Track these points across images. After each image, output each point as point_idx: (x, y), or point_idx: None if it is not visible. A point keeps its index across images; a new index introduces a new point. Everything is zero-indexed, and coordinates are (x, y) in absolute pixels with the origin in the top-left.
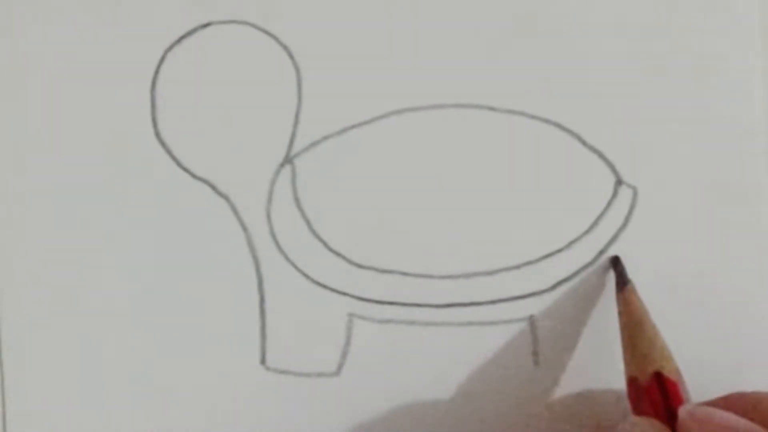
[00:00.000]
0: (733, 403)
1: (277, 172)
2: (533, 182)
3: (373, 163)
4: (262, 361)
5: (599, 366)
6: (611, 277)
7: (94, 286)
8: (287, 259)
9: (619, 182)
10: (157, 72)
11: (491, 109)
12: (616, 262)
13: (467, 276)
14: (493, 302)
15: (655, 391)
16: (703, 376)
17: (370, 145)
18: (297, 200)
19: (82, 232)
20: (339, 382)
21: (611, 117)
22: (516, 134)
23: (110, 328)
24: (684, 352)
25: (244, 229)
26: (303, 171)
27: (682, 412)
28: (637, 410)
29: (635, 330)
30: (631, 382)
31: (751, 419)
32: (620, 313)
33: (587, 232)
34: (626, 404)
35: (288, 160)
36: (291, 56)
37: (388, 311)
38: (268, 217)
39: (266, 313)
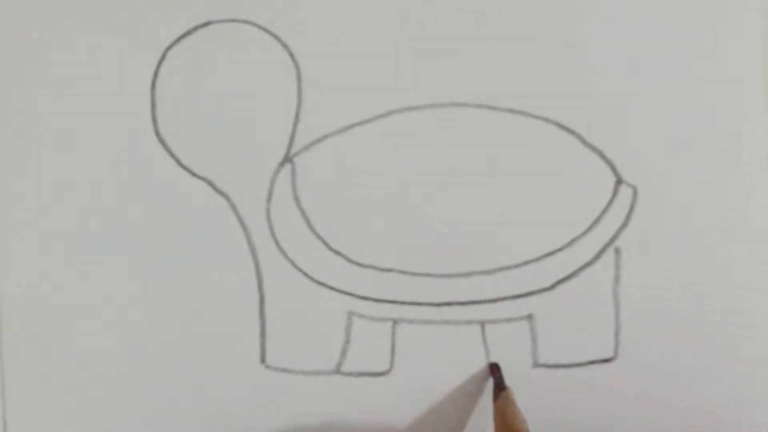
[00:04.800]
0: None
1: (277, 171)
2: (533, 181)
3: (373, 162)
4: (262, 359)
5: (599, 364)
6: (612, 273)
7: (94, 285)
8: (287, 257)
9: (619, 181)
10: (157, 71)
11: (491, 108)
12: (494, 370)
13: (467, 275)
14: (492, 301)
15: None
16: (700, 369)
17: (369, 143)
18: (297, 199)
19: (83, 230)
20: (339, 380)
21: (611, 117)
22: (516, 133)
23: (110, 327)
24: (684, 350)
25: (244, 227)
26: (303, 169)
27: None
28: None
29: None
30: None
31: None
32: (495, 421)
33: (587, 231)
34: (625, 404)
35: (288, 158)
36: (291, 55)
37: (388, 309)
38: (268, 215)
39: (266, 311)
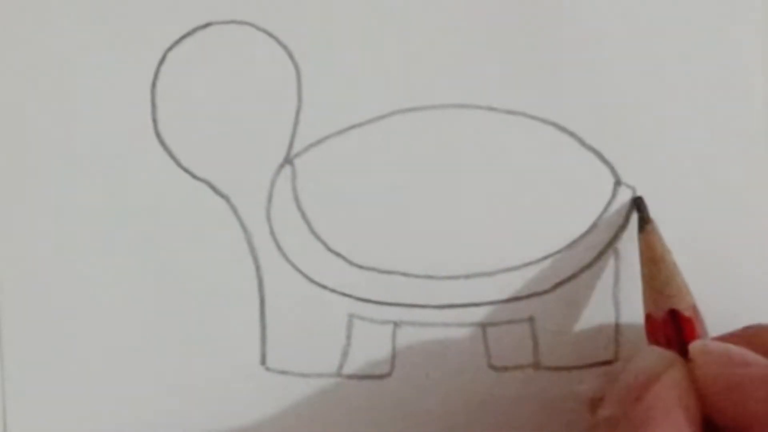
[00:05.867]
0: (749, 336)
1: (278, 173)
2: (533, 182)
3: (374, 164)
4: (263, 361)
5: (600, 367)
6: (611, 275)
7: (94, 286)
8: (287, 259)
9: (618, 183)
10: (157, 72)
11: (491, 109)
12: (639, 203)
13: (467, 276)
14: (493, 303)
15: (669, 327)
16: None
17: (370, 145)
18: (297, 201)
19: (82, 231)
20: (339, 383)
21: (610, 117)
22: (516, 134)
23: (110, 328)
24: None
25: (245, 229)
26: (303, 171)
27: (694, 347)
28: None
29: (653, 267)
30: (648, 318)
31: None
32: (641, 252)
33: (587, 232)
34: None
35: (288, 160)
36: (291, 56)
37: (389, 312)
38: (269, 217)
39: (266, 313)
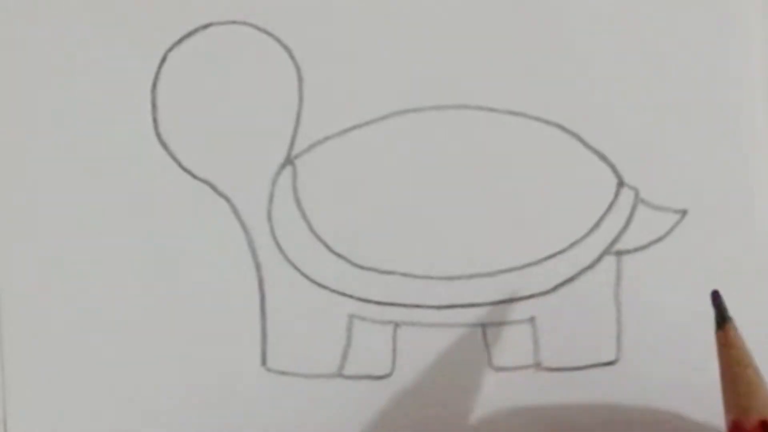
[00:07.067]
0: None
1: (278, 173)
2: (534, 183)
3: (374, 164)
4: (263, 362)
5: (601, 368)
6: (613, 275)
7: (94, 286)
8: (288, 260)
9: (620, 183)
10: (158, 72)
11: (492, 110)
12: (716, 298)
13: (468, 277)
14: (494, 303)
15: None
16: (702, 372)
17: (371, 145)
18: (298, 201)
19: (83, 231)
20: (340, 383)
21: (613, 118)
22: (517, 135)
23: (110, 328)
24: (685, 354)
25: (245, 230)
26: (304, 171)
27: None
28: None
29: (737, 372)
30: (735, 424)
31: None
32: (720, 353)
33: (589, 233)
34: (626, 407)
35: (289, 160)
36: (291, 56)
37: (389, 312)
38: (269, 217)
39: (267, 313)
